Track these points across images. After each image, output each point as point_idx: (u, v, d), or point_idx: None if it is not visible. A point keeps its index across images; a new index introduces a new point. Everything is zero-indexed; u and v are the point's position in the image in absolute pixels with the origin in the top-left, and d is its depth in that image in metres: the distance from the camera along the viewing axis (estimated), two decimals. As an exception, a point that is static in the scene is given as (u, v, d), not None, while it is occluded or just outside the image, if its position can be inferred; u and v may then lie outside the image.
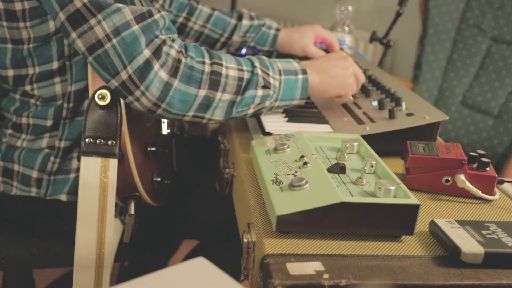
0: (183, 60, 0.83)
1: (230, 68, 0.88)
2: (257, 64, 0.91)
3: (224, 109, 0.88)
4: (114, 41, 0.79)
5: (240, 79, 0.88)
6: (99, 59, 0.80)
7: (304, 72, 0.95)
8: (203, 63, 0.86)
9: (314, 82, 0.97)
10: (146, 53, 0.80)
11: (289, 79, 0.94)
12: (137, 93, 0.81)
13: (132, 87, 0.81)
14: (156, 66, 0.80)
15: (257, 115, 0.95)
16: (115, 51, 0.79)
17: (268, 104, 0.92)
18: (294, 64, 0.96)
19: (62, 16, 0.79)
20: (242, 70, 0.89)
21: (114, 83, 0.82)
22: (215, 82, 0.85)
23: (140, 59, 0.80)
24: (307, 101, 1.12)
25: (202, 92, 0.85)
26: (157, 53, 0.81)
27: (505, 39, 2.00)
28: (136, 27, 0.80)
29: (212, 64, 0.86)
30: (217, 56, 0.88)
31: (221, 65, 0.87)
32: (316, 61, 1.00)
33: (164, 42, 0.82)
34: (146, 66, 0.80)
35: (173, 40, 0.85)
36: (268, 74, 0.91)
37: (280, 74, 0.93)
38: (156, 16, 0.82)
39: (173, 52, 0.83)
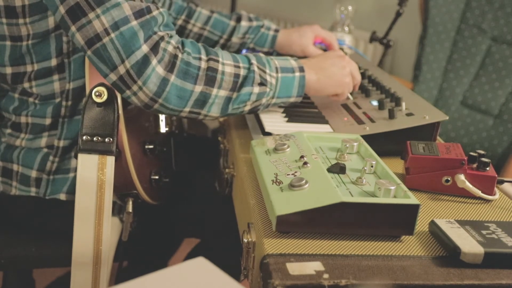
0: (180, 55, 0.84)
1: (226, 64, 0.88)
2: (253, 61, 0.91)
3: (220, 105, 0.88)
4: (112, 35, 0.79)
5: (237, 75, 0.88)
6: (98, 53, 0.80)
7: (302, 70, 0.96)
8: (200, 59, 0.86)
9: (311, 80, 0.97)
10: (144, 48, 0.81)
11: (286, 76, 0.94)
12: (135, 88, 0.82)
13: (130, 81, 0.81)
14: (154, 61, 0.81)
15: (253, 112, 0.95)
16: (113, 45, 0.80)
17: (264, 101, 0.93)
18: (291, 62, 0.97)
19: (62, 9, 0.80)
20: (238, 67, 0.89)
21: (113, 77, 0.82)
22: (211, 78, 0.86)
23: (138, 54, 0.80)
24: (307, 101, 1.13)
25: (198, 88, 0.85)
26: (155, 48, 0.81)
27: (505, 39, 2.00)
28: (134, 23, 0.80)
29: (208, 60, 0.87)
30: (214, 53, 0.89)
31: (217, 61, 0.87)
32: (314, 60, 1.01)
33: (162, 38, 0.83)
34: (144, 62, 0.80)
35: (171, 37, 0.85)
36: (264, 72, 0.91)
37: (277, 72, 0.93)
38: (155, 12, 0.83)
39: (170, 48, 0.83)
